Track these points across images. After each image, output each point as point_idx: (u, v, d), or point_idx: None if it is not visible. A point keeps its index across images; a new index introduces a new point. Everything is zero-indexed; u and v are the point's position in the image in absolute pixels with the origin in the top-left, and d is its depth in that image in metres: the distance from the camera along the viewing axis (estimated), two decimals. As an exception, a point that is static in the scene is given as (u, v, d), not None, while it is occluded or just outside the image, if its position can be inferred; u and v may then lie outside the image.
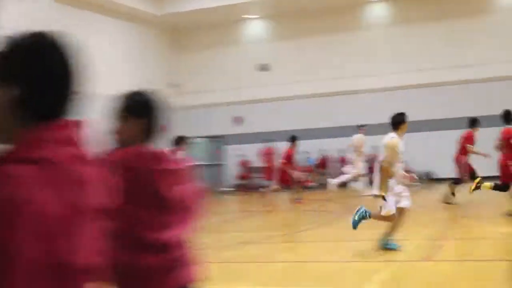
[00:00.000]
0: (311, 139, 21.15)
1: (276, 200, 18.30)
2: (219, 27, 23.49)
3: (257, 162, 21.50)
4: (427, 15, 21.16)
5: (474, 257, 7.05)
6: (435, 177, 20.16)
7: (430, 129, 20.32)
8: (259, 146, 21.17)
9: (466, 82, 20.31)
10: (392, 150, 7.21)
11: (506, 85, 19.73)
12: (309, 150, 21.30)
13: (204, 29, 23.72)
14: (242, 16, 23.23)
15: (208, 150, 23.74)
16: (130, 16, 21.58)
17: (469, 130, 12.54)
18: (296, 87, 22.37)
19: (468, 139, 12.53)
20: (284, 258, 7.75)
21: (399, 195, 7.29)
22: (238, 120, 23.08)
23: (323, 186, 20.42)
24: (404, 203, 7.35)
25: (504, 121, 10.54)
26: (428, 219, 10.08)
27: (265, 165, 20.48)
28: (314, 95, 22.14)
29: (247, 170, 22.39)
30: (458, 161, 12.46)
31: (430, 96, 20.61)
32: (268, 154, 20.68)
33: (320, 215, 12.91)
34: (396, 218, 7.31)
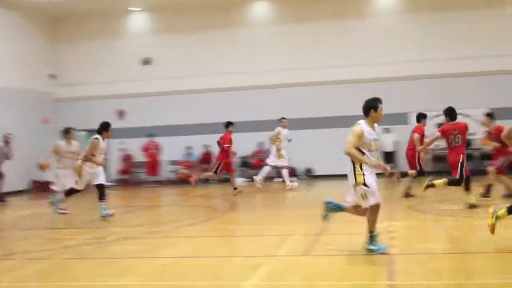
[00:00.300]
0: (195, 134, 21.18)
1: (160, 195, 18.20)
2: (101, 18, 22.83)
3: (139, 156, 21.25)
4: (309, 15, 21.77)
5: (348, 251, 7.37)
6: (315, 174, 20.96)
7: (310, 127, 20.95)
8: (142, 141, 20.94)
9: (345, 82, 21.17)
10: (356, 136, 7.01)
11: (388, 85, 20.83)
12: (193, 145, 21.34)
13: (86, 20, 22.98)
14: (126, 8, 22.75)
15: (88, 143, 23.14)
16: (6, 4, 20.51)
17: (418, 125, 13.55)
18: (179, 82, 22.26)
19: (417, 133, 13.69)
20: (167, 254, 7.71)
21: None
22: (120, 114, 22.62)
23: (207, 181, 20.53)
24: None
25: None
26: (308, 215, 10.40)
27: (148, 159, 20.26)
28: (196, 91, 22.13)
29: (129, 164, 22.02)
30: (407, 155, 13.59)
31: (310, 95, 21.23)
32: (150, 149, 20.48)
33: (203, 210, 12.96)
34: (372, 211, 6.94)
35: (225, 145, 15.57)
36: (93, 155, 11.29)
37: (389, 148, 20.71)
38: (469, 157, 20.15)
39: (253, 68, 21.76)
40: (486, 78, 20.51)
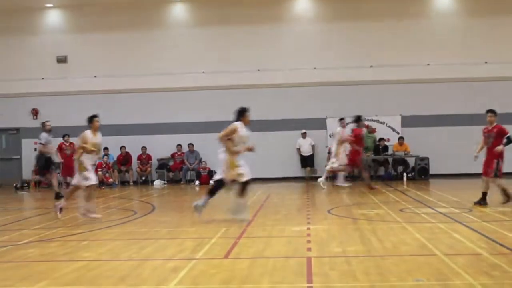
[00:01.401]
0: (112, 135, 20.82)
1: (76, 196, 17.70)
2: (16, 14, 22.06)
3: (55, 156, 20.62)
4: (223, 18, 21.90)
5: (267, 254, 7.46)
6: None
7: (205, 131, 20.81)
8: (58, 141, 20.35)
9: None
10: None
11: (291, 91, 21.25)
12: (110, 147, 20.92)
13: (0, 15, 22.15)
14: (42, 4, 22.06)
15: (2, 143, 22.45)
16: None
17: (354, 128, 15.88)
18: (95, 81, 21.84)
19: (355, 137, 16.06)
20: (83, 257, 7.53)
21: None
22: (35, 113, 21.93)
23: (124, 183, 20.20)
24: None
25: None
26: (228, 218, 10.43)
27: (62, 160, 19.72)
28: (113, 91, 21.81)
29: (45, 165, 21.36)
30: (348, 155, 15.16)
31: (219, 98, 21.28)
32: (64, 149, 19.91)
33: (121, 212, 12.74)
34: None
35: None
36: None
37: (307, 152, 21.15)
38: (383, 162, 20.95)
39: (172, 70, 21.62)
40: (398, 86, 21.27)
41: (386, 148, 21.02)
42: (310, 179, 20.13)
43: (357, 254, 7.25)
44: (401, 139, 20.92)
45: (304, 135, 21.13)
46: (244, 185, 10.27)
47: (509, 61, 20.84)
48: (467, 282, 5.71)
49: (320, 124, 21.28)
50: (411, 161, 20.77)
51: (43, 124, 16.11)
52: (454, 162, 20.72)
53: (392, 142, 21.21)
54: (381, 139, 21.01)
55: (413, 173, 20.36)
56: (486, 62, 20.89)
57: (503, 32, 21.20)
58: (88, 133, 11.33)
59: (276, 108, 21.29)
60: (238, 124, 10.28)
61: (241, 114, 10.44)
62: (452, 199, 13.74)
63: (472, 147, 20.23)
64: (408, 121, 21.28)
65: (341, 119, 17.66)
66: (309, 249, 7.61)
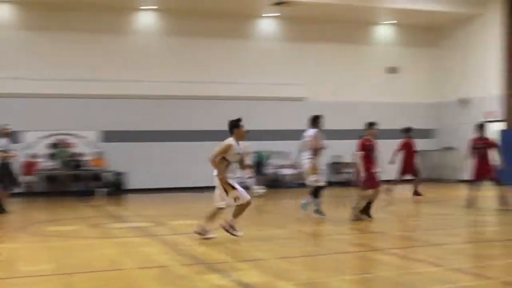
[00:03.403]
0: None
1: None
2: None
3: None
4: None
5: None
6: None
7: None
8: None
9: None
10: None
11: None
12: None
13: None
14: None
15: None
16: None
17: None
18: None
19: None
20: None
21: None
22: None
23: None
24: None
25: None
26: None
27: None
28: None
29: None
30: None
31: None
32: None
33: None
34: None
35: None
36: None
37: None
38: (79, 177, 20.62)
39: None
40: (96, 101, 21.28)
41: (82, 163, 20.74)
42: None
43: (46, 273, 7.00)
44: (98, 154, 20.87)
45: None
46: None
47: (206, 81, 22.38)
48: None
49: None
50: (108, 176, 20.84)
51: (3, 128, 13.77)
52: (151, 177, 21.43)
53: (89, 157, 21.03)
54: (78, 154, 20.69)
55: (109, 188, 20.44)
56: (183, 82, 22.11)
57: (200, 54, 22.62)
58: (232, 141, 9.14)
59: None
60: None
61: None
62: (146, 213, 14.13)
63: (175, 162, 21.63)
64: (105, 136, 21.34)
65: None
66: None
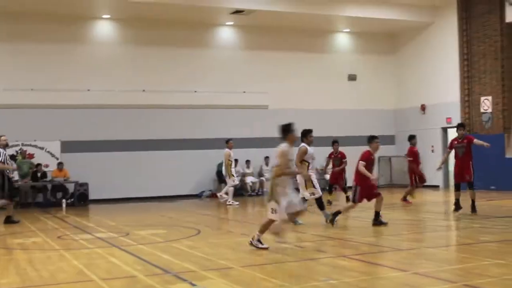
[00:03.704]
0: None
1: None
2: None
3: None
4: None
5: None
6: None
7: None
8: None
9: None
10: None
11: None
12: None
13: None
14: None
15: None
16: None
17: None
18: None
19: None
20: None
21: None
22: None
23: None
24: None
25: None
26: None
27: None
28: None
29: None
30: None
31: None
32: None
33: None
34: None
35: None
36: None
37: None
38: (41, 189, 20.32)
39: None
40: (58, 111, 21.03)
41: (45, 174, 20.46)
42: None
43: (11, 287, 6.92)
44: (60, 164, 20.62)
45: None
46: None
47: (166, 90, 22.37)
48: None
49: None
50: (71, 187, 20.59)
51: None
52: (114, 187, 21.28)
53: (52, 167, 20.76)
54: (39, 165, 20.40)
55: (72, 199, 20.19)
56: (143, 90, 22.04)
57: (159, 63, 22.58)
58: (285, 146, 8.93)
59: None
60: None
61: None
62: (110, 223, 14.03)
63: (137, 171, 21.49)
64: (68, 147, 21.10)
65: (228, 141, 18.61)
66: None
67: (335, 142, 17.75)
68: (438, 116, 23.99)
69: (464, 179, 13.59)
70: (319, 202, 12.17)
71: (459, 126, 14.04)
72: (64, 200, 19.66)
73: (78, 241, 10.97)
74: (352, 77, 25.89)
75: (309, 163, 11.84)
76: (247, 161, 23.39)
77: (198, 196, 22.54)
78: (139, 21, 22.28)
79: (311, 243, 10.01)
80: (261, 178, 23.37)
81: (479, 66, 22.56)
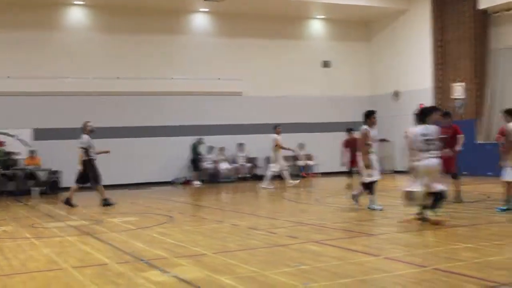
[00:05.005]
0: None
1: None
2: None
3: None
4: None
5: None
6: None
7: None
8: None
9: None
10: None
11: None
12: None
13: None
14: None
15: None
16: None
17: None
18: None
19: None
20: None
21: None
22: None
23: None
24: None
25: None
26: None
27: None
28: None
29: None
30: None
31: None
32: None
33: None
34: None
35: None
36: None
37: None
38: (13, 177, 20.06)
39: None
40: (29, 98, 20.76)
41: (16, 162, 20.20)
42: None
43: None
44: (32, 152, 20.37)
45: None
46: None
47: (140, 77, 22.18)
48: (94, 292, 5.88)
49: None
50: (43, 175, 20.36)
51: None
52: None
53: (23, 155, 20.50)
54: (11, 153, 20.13)
55: (45, 187, 19.98)
56: (118, 78, 21.82)
57: (134, 50, 22.40)
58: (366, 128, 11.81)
59: None
60: (366, 128, 11.75)
61: (368, 116, 11.86)
62: (82, 211, 13.94)
63: (111, 159, 21.35)
64: (40, 134, 20.85)
65: (276, 126, 19.07)
66: None
67: (350, 129, 18.26)
68: (411, 103, 24.14)
69: (449, 170, 13.15)
70: (369, 186, 12.04)
71: (445, 115, 12.99)
72: (36, 188, 19.43)
73: (50, 229, 10.88)
74: (326, 64, 25.94)
75: (370, 144, 11.86)
76: (221, 148, 23.35)
77: (171, 183, 22.47)
78: (113, 7, 22.03)
79: (283, 229, 10.04)
80: (235, 164, 23.38)
81: (453, 53, 22.76)
